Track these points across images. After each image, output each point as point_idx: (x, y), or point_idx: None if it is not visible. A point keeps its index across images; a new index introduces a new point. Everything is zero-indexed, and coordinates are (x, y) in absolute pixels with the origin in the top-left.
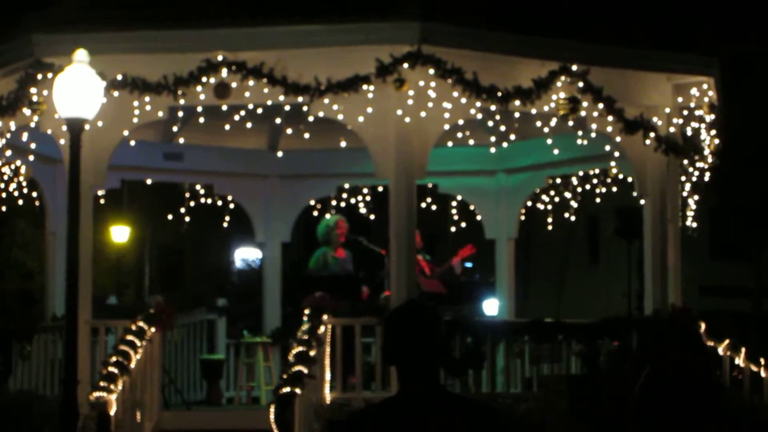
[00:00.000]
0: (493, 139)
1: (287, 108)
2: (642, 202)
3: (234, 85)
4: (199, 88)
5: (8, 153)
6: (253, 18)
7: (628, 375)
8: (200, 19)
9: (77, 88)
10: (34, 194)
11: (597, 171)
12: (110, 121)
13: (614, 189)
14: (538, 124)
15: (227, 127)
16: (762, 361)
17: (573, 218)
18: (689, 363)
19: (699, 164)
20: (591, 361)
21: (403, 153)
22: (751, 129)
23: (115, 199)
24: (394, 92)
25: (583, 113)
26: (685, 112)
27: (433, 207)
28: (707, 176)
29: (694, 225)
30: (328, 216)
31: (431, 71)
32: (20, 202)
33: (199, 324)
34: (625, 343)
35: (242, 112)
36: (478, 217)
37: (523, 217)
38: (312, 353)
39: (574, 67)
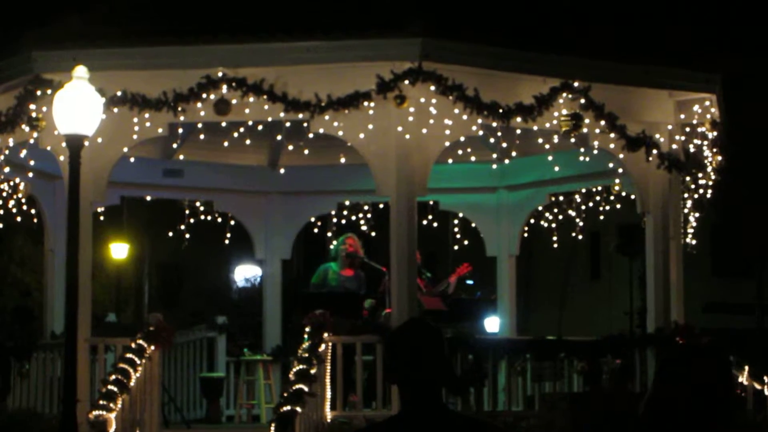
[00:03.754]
0: (494, 155)
1: (288, 124)
2: (644, 218)
3: (234, 101)
4: (199, 104)
5: (7, 169)
6: (253, 34)
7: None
8: (200, 36)
9: (77, 105)
10: (33, 211)
11: (599, 188)
12: (110, 138)
13: (617, 206)
14: (540, 140)
15: (227, 143)
16: (765, 378)
17: (579, 237)
18: (698, 379)
19: (701, 181)
20: (593, 378)
21: (404, 170)
22: (753, 146)
23: (114, 216)
24: (394, 109)
25: (585, 130)
26: (688, 129)
27: (434, 224)
28: (709, 193)
29: (694, 242)
30: (329, 234)
31: (432, 88)
32: (19, 218)
33: (198, 341)
34: (628, 360)
35: (242, 129)
36: (480, 235)
37: (525, 234)
38: (313, 371)
39: (576, 84)
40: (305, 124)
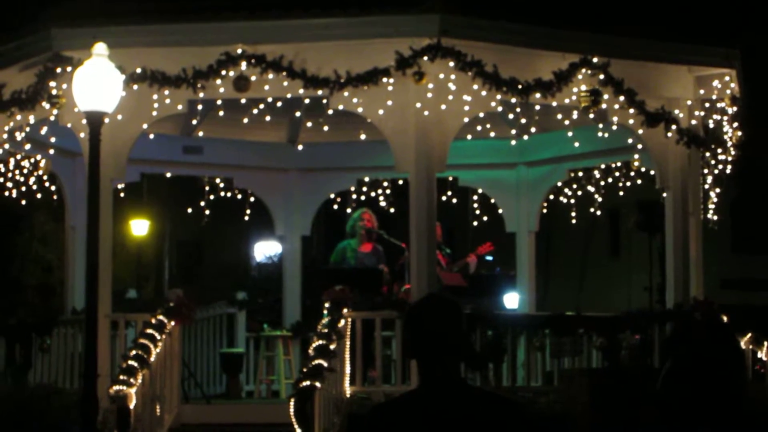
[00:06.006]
0: (513, 131)
1: (307, 101)
2: (663, 194)
3: (253, 78)
4: (218, 81)
5: (28, 147)
6: (272, 11)
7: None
8: (219, 12)
9: (96, 82)
10: (54, 188)
11: (619, 164)
12: (130, 115)
13: (637, 182)
14: (559, 116)
15: (247, 120)
16: None
17: (598, 213)
18: (714, 355)
19: (721, 156)
20: (612, 354)
21: (423, 146)
22: None
23: (134, 193)
24: (413, 85)
25: (604, 106)
26: (707, 104)
27: (454, 200)
28: (729, 168)
29: (715, 218)
30: (348, 210)
31: (451, 64)
32: (40, 195)
33: (218, 317)
34: (647, 336)
35: (261, 106)
36: (499, 211)
37: (544, 210)
38: (332, 347)
39: (595, 60)
40: (324, 101)
